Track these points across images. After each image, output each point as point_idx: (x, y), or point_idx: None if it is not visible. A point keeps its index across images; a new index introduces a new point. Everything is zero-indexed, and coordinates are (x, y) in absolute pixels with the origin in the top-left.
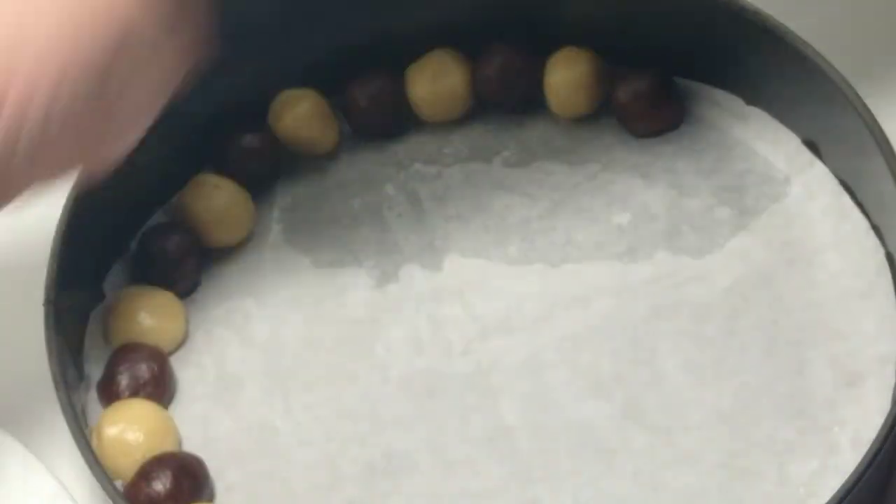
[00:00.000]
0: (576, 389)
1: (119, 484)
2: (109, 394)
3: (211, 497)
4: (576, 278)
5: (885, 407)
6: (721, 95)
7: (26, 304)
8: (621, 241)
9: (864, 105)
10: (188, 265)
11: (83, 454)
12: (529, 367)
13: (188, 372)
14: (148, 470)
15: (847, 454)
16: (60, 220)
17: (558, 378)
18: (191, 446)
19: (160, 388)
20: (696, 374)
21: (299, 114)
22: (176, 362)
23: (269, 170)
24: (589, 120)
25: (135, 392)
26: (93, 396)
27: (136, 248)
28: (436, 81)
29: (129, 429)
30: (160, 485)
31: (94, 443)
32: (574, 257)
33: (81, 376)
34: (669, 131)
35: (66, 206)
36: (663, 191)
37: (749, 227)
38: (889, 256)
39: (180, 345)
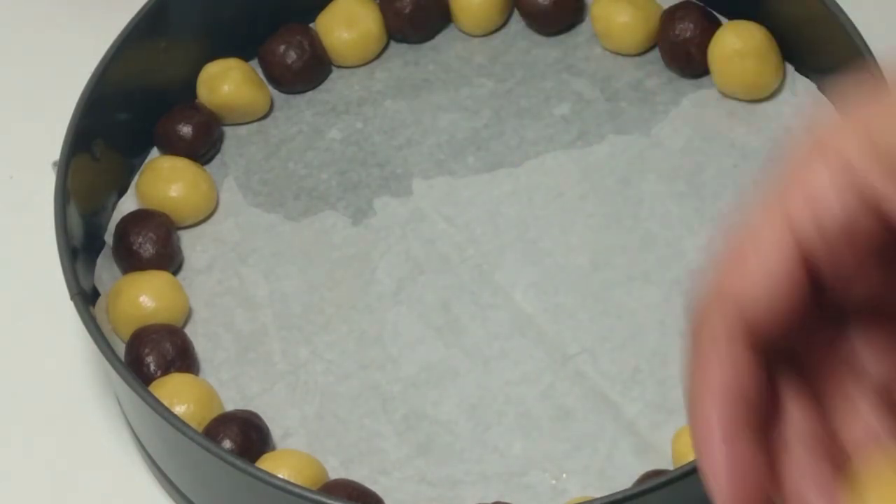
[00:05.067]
0: (579, 267)
1: None
2: (139, 378)
3: (274, 448)
4: (541, 172)
5: None
6: None
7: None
8: (570, 130)
9: None
10: (170, 245)
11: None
12: (529, 258)
13: (203, 343)
14: (212, 432)
15: None
16: (57, 216)
17: (558, 261)
18: (232, 408)
19: (188, 361)
20: (682, 227)
21: (232, 83)
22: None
23: (215, 142)
24: (498, 31)
25: (165, 370)
26: None
27: (115, 238)
28: (351, 27)
29: (177, 403)
30: (229, 442)
31: None
32: (532, 154)
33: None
34: (579, 23)
35: (56, 201)
36: (591, 76)
37: (683, 91)
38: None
39: (186, 321)
